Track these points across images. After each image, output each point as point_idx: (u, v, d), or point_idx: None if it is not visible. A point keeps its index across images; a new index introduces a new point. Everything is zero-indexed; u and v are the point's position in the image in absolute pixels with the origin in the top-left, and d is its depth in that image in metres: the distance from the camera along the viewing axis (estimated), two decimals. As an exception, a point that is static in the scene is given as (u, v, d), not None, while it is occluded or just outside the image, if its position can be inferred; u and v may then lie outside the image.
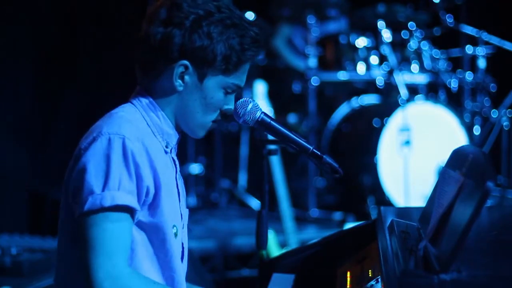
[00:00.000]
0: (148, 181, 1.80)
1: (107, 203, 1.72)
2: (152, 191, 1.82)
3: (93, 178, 1.74)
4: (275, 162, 4.58)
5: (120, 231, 1.74)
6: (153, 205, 1.83)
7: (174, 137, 1.96)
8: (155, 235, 1.85)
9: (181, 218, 1.96)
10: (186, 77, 1.88)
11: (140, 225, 1.83)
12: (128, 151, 1.76)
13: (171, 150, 1.96)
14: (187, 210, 2.06)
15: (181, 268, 1.94)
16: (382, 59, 5.62)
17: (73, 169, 1.81)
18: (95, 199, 1.72)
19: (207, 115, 1.93)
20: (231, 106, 1.96)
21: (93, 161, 1.76)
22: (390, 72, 5.48)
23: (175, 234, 1.91)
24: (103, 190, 1.73)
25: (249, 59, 1.92)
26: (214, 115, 1.95)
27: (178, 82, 1.89)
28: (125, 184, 1.75)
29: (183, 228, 1.97)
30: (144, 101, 1.92)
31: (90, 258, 1.71)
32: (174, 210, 1.91)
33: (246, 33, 1.89)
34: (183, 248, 1.97)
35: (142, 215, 1.82)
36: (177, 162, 2.00)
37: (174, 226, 1.89)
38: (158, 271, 1.88)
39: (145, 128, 1.89)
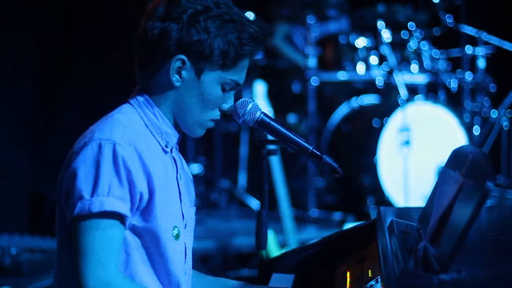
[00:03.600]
0: (141, 186, 1.78)
1: (96, 209, 1.71)
2: (146, 196, 1.80)
3: (83, 184, 1.73)
4: (275, 162, 4.58)
5: (110, 238, 1.73)
6: (147, 210, 1.81)
7: (173, 137, 1.94)
8: (150, 239, 1.84)
9: (183, 218, 1.94)
10: (184, 72, 1.86)
11: (134, 229, 1.82)
12: (118, 157, 1.75)
13: (171, 150, 1.94)
14: (194, 208, 2.04)
15: (182, 269, 1.92)
16: (382, 59, 5.62)
17: (64, 173, 1.80)
18: (84, 204, 1.72)
19: (205, 112, 1.91)
20: (230, 104, 1.94)
21: (83, 166, 1.75)
22: (390, 72, 5.48)
23: (177, 236, 1.89)
24: (92, 195, 1.72)
25: (248, 54, 1.90)
26: (212, 113, 1.92)
27: (175, 77, 1.86)
28: (114, 190, 1.74)
29: (185, 228, 1.95)
30: (141, 99, 1.90)
31: (81, 264, 1.71)
32: (174, 212, 1.90)
33: (244, 29, 1.87)
34: (185, 248, 1.95)
35: (136, 219, 1.81)
36: (178, 161, 1.97)
37: (175, 227, 1.87)
38: (153, 275, 1.86)
39: (142, 129, 1.87)
